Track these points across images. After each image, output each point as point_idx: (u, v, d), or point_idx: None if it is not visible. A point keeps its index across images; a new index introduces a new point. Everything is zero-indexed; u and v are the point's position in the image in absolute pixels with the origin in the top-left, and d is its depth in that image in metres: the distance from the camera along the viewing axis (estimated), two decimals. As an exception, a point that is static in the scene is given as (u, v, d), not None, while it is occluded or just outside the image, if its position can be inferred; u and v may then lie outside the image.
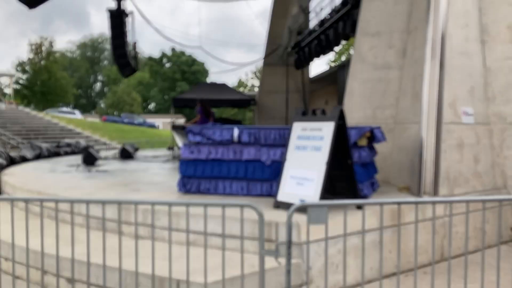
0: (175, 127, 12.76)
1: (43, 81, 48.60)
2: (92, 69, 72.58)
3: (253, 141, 6.29)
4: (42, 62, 49.58)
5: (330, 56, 42.93)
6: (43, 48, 50.11)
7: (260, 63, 20.70)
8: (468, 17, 6.92)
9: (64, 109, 46.30)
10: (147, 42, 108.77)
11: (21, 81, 50.09)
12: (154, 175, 9.41)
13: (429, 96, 6.50)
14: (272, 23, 19.63)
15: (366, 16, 8.04)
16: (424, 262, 5.62)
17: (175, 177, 7.27)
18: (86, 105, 74.33)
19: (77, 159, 13.48)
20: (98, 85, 77.94)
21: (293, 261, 4.44)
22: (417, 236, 3.95)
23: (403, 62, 7.66)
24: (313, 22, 14.99)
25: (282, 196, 5.39)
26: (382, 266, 3.99)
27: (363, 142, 5.99)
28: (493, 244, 6.27)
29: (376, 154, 6.72)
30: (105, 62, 71.19)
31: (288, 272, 3.56)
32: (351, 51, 38.60)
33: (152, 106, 67.80)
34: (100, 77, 75.15)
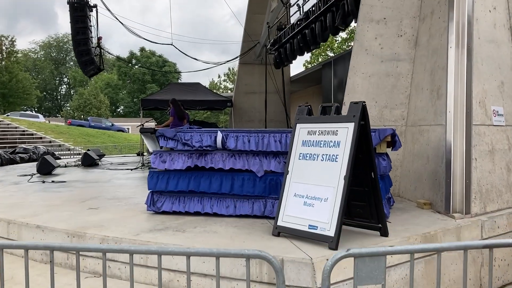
0: (144, 131, 11.31)
1: (3, 82, 45.85)
2: (58, 71, 69.65)
3: (242, 147, 4.99)
4: (3, 62, 46.85)
5: (306, 57, 41.85)
6: (3, 48, 47.37)
7: (236, 63, 19.39)
8: (495, -1, 5.81)
9: (27, 112, 43.75)
10: (116, 44, 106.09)
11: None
12: (119, 188, 7.97)
13: (455, 92, 5.33)
14: (248, 19, 18.36)
15: (370, 0, 6.84)
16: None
17: (144, 190, 5.93)
18: (52, 108, 71.34)
19: (34, 167, 11.86)
20: (64, 87, 75.00)
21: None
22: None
23: (415, 53, 6.49)
24: (295, 16, 13.80)
25: (284, 220, 4.09)
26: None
27: (384, 148, 4.77)
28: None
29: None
30: (71, 63, 68.37)
31: None
32: (329, 52, 37.73)
33: (121, 109, 65.44)
34: (66, 79, 72.22)
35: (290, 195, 4.14)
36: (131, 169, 11.46)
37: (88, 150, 14.52)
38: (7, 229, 5.11)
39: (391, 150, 5.11)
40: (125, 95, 62.22)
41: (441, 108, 5.48)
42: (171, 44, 17.50)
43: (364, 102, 3.88)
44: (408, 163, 6.25)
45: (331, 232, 3.70)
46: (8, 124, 29.50)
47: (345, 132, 3.88)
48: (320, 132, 4.10)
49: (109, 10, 15.77)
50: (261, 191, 4.93)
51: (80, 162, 13.19)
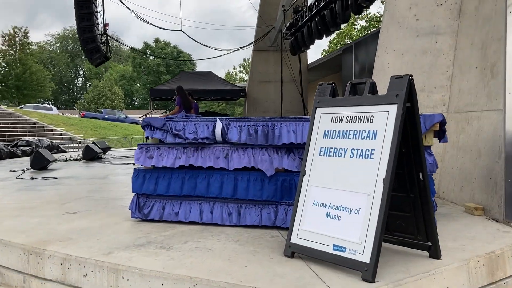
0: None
1: (17, 74, 45.42)
2: (73, 63, 69.33)
3: (247, 139, 3.95)
4: (16, 54, 46.44)
5: (324, 46, 40.53)
6: (17, 39, 46.94)
7: (250, 51, 18.30)
8: None
9: (41, 105, 43.32)
10: (134, 36, 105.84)
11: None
12: (113, 185, 7.02)
13: (517, 69, 4.21)
14: (263, 2, 17.25)
15: (403, -38, 5.71)
16: None
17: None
18: (69, 101, 71.17)
19: (31, 161, 11.00)
20: (80, 80, 74.80)
21: None
22: None
23: (459, 24, 5.36)
24: (313, -3, 12.69)
25: (300, 237, 3.06)
26: None
27: (430, 139, 3.69)
28: None
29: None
30: (87, 56, 67.78)
31: None
32: (347, 41, 36.35)
33: (136, 101, 64.86)
34: (82, 71, 71.94)
35: (308, 203, 3.10)
36: (134, 163, 10.51)
37: (93, 142, 13.66)
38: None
39: (439, 142, 4.02)
40: (140, 87, 61.53)
41: (496, 89, 4.36)
42: (180, 30, 16.53)
43: (411, 75, 2.80)
44: (451, 158, 5.14)
45: (365, 257, 2.66)
46: (19, 116, 28.94)
47: (385, 117, 2.82)
48: (348, 118, 3.04)
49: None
50: (271, 195, 3.90)
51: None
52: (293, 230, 3.11)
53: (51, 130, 27.28)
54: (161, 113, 17.79)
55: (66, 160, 12.04)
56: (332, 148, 3.08)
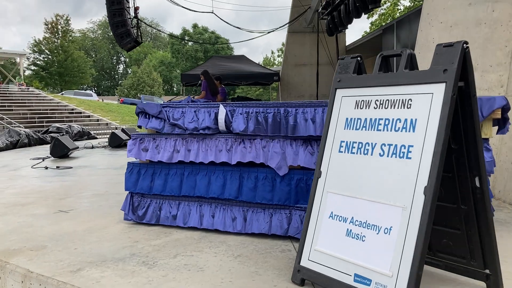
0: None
1: (60, 61, 46.11)
2: (114, 50, 70.07)
3: (255, 129, 3.23)
4: (58, 42, 47.10)
5: (365, 28, 38.89)
6: (59, 27, 47.58)
7: (285, 32, 17.43)
8: None
9: (81, 91, 43.88)
10: (175, 23, 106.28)
11: (38, 62, 47.83)
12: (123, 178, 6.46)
13: None
14: (299, -19, 16.28)
15: None
16: None
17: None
18: (110, 87, 72.18)
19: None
20: (121, 66, 75.67)
21: None
22: None
23: (523, -12, 4.41)
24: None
25: (313, 259, 2.33)
26: None
27: (489, 130, 2.85)
28: None
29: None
30: (127, 42, 68.35)
31: None
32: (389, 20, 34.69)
33: (174, 87, 64.93)
34: (122, 58, 72.70)
35: (324, 215, 2.36)
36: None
37: (122, 130, 13.26)
38: None
39: (496, 133, 3.17)
40: (178, 73, 61.45)
41: None
42: (211, 12, 15.83)
43: (466, 42, 1.99)
44: (509, 150, 4.25)
45: (397, 296, 1.91)
46: (58, 103, 29.24)
47: (427, 102, 2.03)
48: (378, 102, 2.27)
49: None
50: (283, 198, 3.17)
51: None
52: (303, 250, 2.39)
53: (88, 116, 27.40)
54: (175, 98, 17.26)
55: (92, 147, 11.70)
56: (355, 142, 2.32)
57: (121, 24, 15.54)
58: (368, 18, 36.43)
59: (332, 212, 2.32)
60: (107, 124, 26.42)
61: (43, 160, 8.83)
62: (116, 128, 23.27)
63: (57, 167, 7.67)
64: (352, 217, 2.22)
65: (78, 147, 10.15)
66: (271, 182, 3.21)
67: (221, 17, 15.90)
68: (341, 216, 2.27)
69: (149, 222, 3.63)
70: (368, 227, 2.14)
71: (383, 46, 14.41)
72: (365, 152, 2.26)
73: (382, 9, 35.62)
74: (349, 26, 12.91)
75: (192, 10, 15.98)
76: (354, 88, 2.41)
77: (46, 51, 47.69)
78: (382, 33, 14.57)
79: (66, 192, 5.27)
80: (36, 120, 24.11)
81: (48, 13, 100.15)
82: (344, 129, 2.40)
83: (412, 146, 2.05)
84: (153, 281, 2.48)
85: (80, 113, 27.75)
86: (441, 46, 2.04)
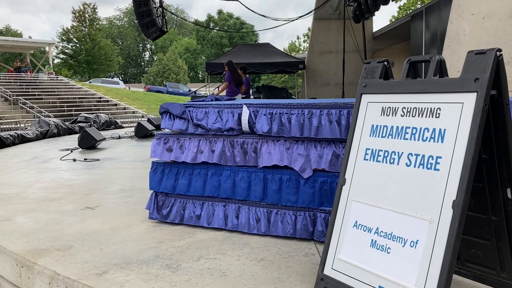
0: (196, 99, 9.78)
1: (87, 50, 46.86)
2: (140, 37, 70.65)
3: (279, 130, 3.20)
4: (86, 30, 47.78)
5: (394, 12, 38.07)
6: (86, 15, 48.24)
7: (311, 19, 17.19)
8: None
9: (108, 79, 44.49)
10: (200, 8, 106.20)
11: (66, 51, 48.70)
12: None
13: None
14: (324, -33, 15.98)
15: None
16: None
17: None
18: (137, 75, 72.98)
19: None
20: (147, 54, 76.31)
21: None
22: None
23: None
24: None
25: (336, 268, 2.30)
26: None
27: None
28: None
29: None
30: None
31: None
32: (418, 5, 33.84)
33: (199, 74, 65.18)
34: (148, 45, 73.26)
35: (348, 223, 2.32)
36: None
37: (147, 120, 13.38)
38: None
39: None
40: (203, 60, 61.66)
41: None
42: (237, 0, 15.69)
43: (500, 50, 1.90)
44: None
45: (423, 313, 1.86)
46: (86, 91, 29.74)
47: (457, 111, 1.95)
48: (405, 110, 2.20)
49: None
50: (307, 200, 3.14)
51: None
52: (327, 258, 2.35)
53: (115, 105, 27.79)
54: (215, 88, 17.33)
55: (119, 137, 11.85)
56: (381, 150, 2.26)
57: (147, 14, 15.58)
58: (396, 2, 35.62)
59: (356, 221, 2.27)
60: (133, 112, 26.74)
61: (71, 151, 8.99)
62: (143, 117, 23.55)
63: (84, 159, 7.81)
64: (377, 228, 2.17)
65: (105, 138, 10.31)
66: (295, 184, 3.18)
67: (246, 5, 15.74)
68: (365, 226, 2.23)
69: (173, 221, 3.65)
70: (394, 239, 2.09)
71: (411, 33, 14.07)
72: (391, 161, 2.20)
73: (411, -7, 34.82)
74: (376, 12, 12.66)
75: (217, -1, 15.83)
76: (380, 94, 2.34)
77: (74, 39, 48.47)
78: (410, 20, 14.22)
79: (93, 187, 5.35)
80: (65, 108, 24.61)
81: (76, 0, 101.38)
82: (370, 136, 2.34)
83: (440, 157, 1.98)
84: (176, 286, 2.49)
85: (108, 101, 28.16)
86: (473, 54, 1.95)
